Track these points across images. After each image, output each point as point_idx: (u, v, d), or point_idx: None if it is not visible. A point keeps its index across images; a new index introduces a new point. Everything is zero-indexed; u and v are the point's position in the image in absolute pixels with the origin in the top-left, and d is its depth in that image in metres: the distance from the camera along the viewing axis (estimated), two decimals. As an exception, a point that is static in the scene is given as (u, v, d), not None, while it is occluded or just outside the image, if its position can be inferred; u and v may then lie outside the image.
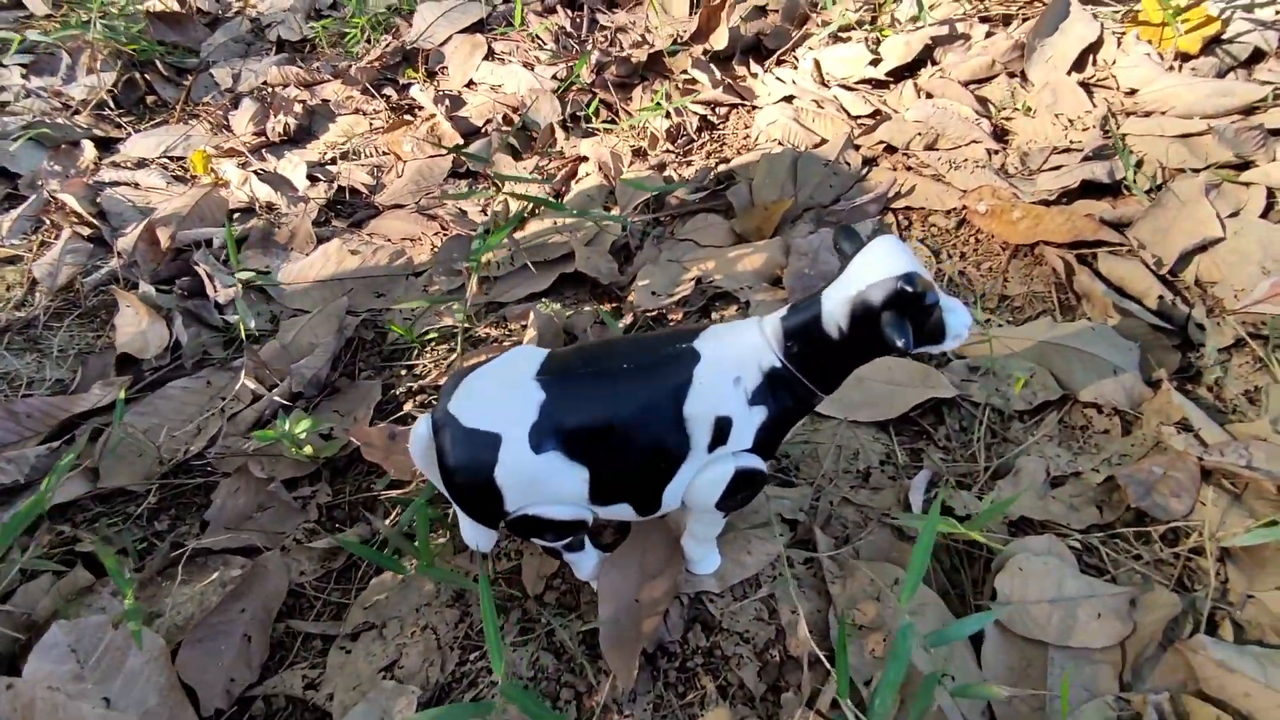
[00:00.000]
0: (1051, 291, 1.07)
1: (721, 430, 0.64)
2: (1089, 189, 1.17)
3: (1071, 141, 1.25)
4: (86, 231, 1.34)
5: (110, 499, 0.97)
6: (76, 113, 1.65)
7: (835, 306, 0.61)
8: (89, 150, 1.53)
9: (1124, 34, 1.39)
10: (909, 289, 0.57)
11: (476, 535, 0.78)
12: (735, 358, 0.65)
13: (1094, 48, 1.37)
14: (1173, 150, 1.17)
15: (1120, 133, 1.21)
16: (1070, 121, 1.28)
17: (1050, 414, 0.92)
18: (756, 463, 0.67)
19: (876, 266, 0.59)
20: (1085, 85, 1.32)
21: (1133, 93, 1.29)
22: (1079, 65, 1.37)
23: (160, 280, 1.24)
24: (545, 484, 0.64)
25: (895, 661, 0.63)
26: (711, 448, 0.65)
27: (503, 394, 0.65)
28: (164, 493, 0.98)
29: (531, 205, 1.25)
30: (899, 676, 0.62)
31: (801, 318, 0.63)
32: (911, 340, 0.57)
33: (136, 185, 1.46)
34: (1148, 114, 1.24)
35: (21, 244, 1.34)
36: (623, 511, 0.68)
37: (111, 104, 1.69)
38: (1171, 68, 1.30)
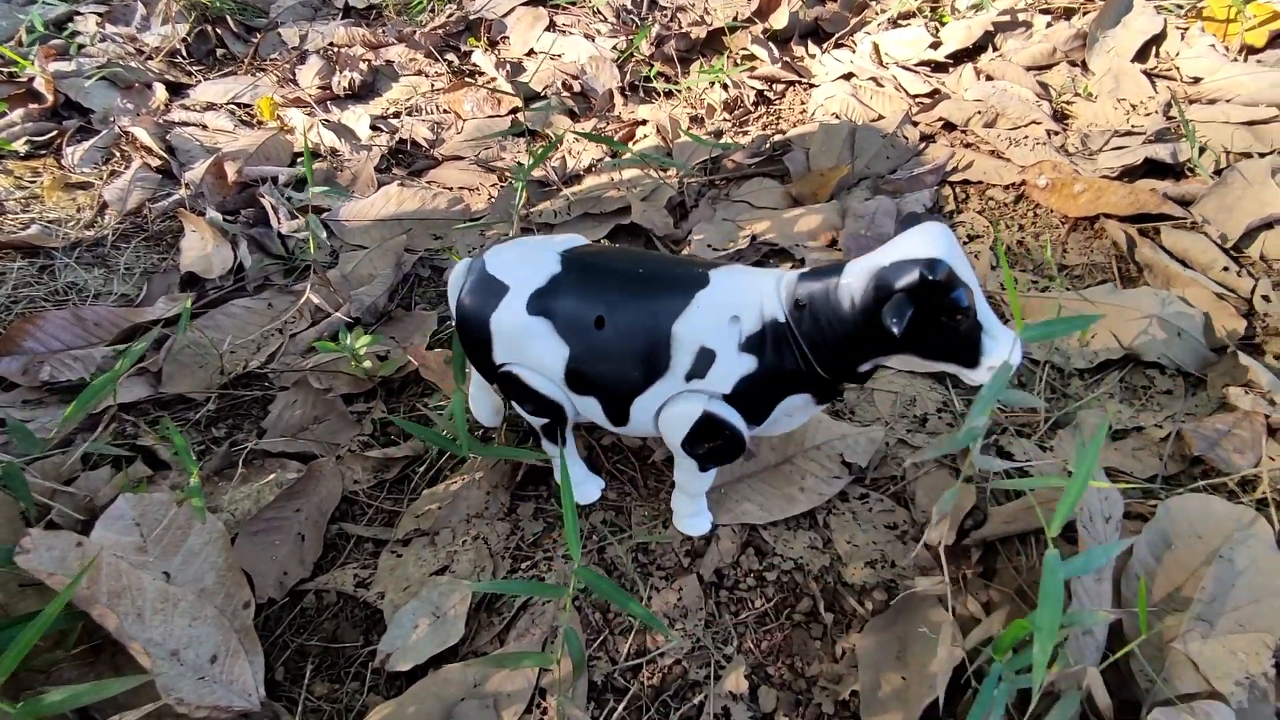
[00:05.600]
0: (1112, 262, 1.07)
1: (702, 362, 0.61)
2: (1150, 170, 1.17)
3: (1133, 125, 1.25)
4: (155, 163, 1.38)
5: (170, 405, 0.99)
6: (149, 58, 1.70)
7: (855, 278, 0.57)
8: (160, 92, 1.58)
9: (1187, 28, 1.39)
10: (929, 276, 0.52)
11: (481, 409, 0.86)
12: (741, 296, 0.62)
13: (1156, 40, 1.38)
14: (1237, 135, 1.16)
15: (1185, 117, 1.21)
16: (1133, 106, 1.28)
17: (1112, 373, 0.92)
18: (730, 415, 0.63)
19: (911, 246, 0.54)
20: (1148, 74, 1.33)
21: (1196, 81, 1.29)
22: (1141, 56, 1.37)
23: (226, 210, 1.27)
24: (529, 346, 0.66)
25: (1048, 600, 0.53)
26: (690, 378, 0.63)
27: (528, 256, 0.69)
28: (223, 402, 0.99)
29: (586, 153, 1.26)
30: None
31: (820, 280, 0.59)
32: (903, 324, 0.51)
33: (204, 127, 1.50)
34: (1212, 101, 1.24)
35: (92, 172, 1.38)
36: (593, 409, 0.68)
37: (184, 53, 1.75)
38: (1236, 59, 1.30)
